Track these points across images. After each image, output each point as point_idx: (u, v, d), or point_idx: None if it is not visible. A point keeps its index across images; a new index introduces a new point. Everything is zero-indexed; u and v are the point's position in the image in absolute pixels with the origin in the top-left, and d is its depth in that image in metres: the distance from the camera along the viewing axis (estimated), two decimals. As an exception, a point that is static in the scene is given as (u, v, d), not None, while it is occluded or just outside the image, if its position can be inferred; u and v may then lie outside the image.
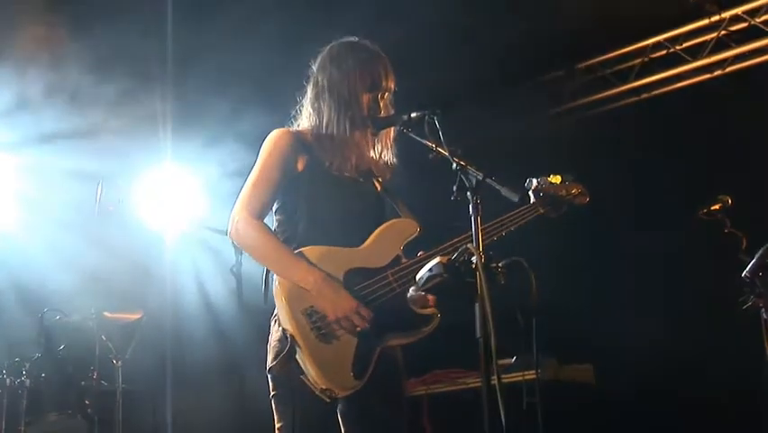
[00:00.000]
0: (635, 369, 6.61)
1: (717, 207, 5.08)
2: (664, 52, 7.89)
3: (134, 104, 7.11)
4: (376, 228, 3.63)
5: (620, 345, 6.58)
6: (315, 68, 3.80)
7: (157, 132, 7.27)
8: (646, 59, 7.98)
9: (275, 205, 3.67)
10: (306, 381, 3.39)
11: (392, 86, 3.75)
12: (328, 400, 3.39)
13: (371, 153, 3.77)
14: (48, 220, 7.05)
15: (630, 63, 8.08)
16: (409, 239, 3.65)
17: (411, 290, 3.58)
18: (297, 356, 3.39)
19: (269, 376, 3.55)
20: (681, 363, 6.67)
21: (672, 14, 7.57)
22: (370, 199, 3.76)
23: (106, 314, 6.42)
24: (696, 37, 7.69)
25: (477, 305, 3.12)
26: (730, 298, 4.98)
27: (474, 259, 3.14)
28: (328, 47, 3.82)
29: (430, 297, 3.60)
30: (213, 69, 7.04)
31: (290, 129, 3.75)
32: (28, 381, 6.12)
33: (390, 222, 3.69)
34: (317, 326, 3.42)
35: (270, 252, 3.53)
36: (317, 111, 3.71)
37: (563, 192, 3.93)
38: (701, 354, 6.52)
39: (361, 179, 3.75)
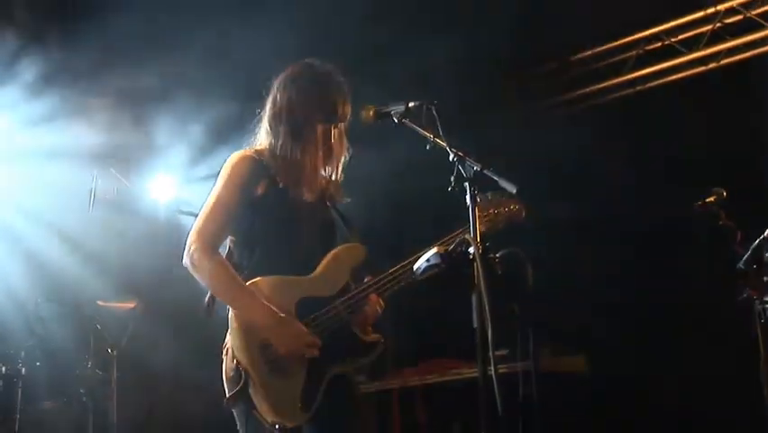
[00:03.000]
0: (627, 359, 6.65)
1: (711, 199, 5.09)
2: (659, 44, 7.90)
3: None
4: (326, 253, 3.66)
5: (613, 336, 6.63)
6: (275, 85, 3.78)
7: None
8: (641, 52, 7.99)
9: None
10: (257, 415, 3.45)
11: (348, 113, 3.75)
12: None
13: (322, 174, 3.76)
14: (44, 207, 7.04)
15: (625, 55, 8.09)
16: (357, 265, 3.68)
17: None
18: (250, 390, 3.45)
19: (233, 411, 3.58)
20: (674, 354, 6.71)
21: (667, 6, 7.58)
22: (323, 224, 3.78)
23: (100, 303, 6.44)
24: (691, 29, 7.69)
25: (474, 295, 3.15)
26: (725, 290, 5.01)
27: (471, 249, 3.16)
28: (292, 66, 3.79)
29: (369, 320, 3.63)
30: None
31: (250, 152, 3.71)
32: (23, 369, 6.13)
33: (339, 248, 3.71)
34: (270, 360, 3.46)
35: (225, 286, 3.54)
36: (274, 132, 3.71)
37: (501, 209, 3.77)
38: (695, 346, 6.56)
39: (315, 203, 3.77)
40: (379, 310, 3.64)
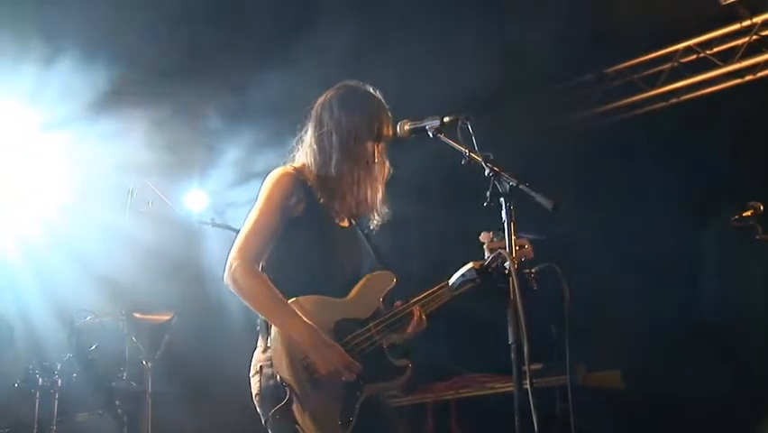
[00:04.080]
0: (664, 375, 6.59)
1: (748, 213, 5.03)
2: (694, 57, 7.85)
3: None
4: (357, 276, 3.77)
5: (650, 351, 6.57)
6: (319, 107, 3.86)
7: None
8: (676, 64, 7.94)
9: None
10: (300, 430, 3.49)
11: (390, 134, 3.81)
12: None
13: (368, 197, 3.80)
14: (79, 221, 7.11)
15: (659, 68, 8.05)
16: (388, 291, 3.76)
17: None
18: (293, 406, 3.49)
19: (268, 429, 3.60)
20: (709, 369, 6.64)
21: (702, 19, 7.53)
22: (357, 248, 3.87)
23: (136, 315, 6.48)
24: (727, 42, 7.64)
25: (509, 310, 3.14)
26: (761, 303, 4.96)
27: (507, 264, 3.16)
28: (336, 88, 3.87)
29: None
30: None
31: (292, 170, 3.77)
32: (59, 381, 6.17)
33: (372, 275, 3.80)
34: (313, 377, 3.51)
35: (268, 303, 3.58)
36: (321, 151, 3.76)
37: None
38: (733, 364, 6.49)
39: (352, 227, 3.86)
40: (419, 329, 3.71)
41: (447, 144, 3.54)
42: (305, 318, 3.53)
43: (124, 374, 6.52)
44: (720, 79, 7.74)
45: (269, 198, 3.68)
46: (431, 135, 3.64)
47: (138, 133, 7.02)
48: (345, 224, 3.83)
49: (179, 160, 7.36)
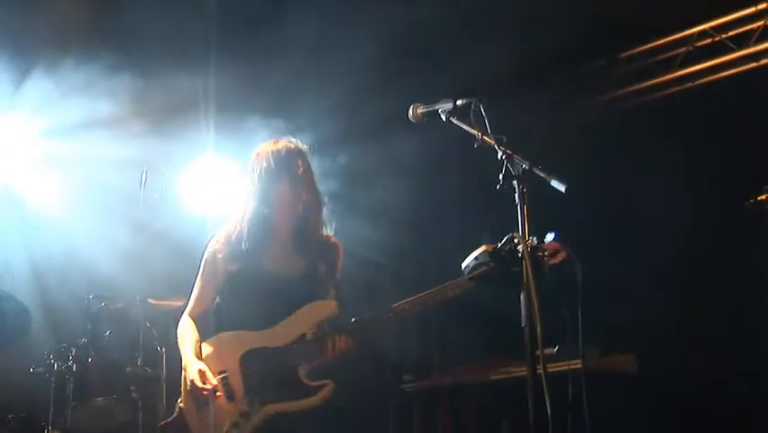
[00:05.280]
0: (678, 358, 6.57)
1: (764, 197, 5.01)
2: (710, 41, 7.78)
3: (177, 93, 7.17)
4: (293, 308, 4.26)
5: (665, 334, 6.54)
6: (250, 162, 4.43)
7: (199, 121, 7.32)
8: (691, 48, 7.88)
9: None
10: None
11: (301, 168, 4.35)
12: None
13: (305, 236, 4.37)
14: (93, 207, 7.13)
15: (675, 52, 7.99)
16: (324, 319, 4.28)
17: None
18: (186, 418, 4.27)
19: None
20: (725, 352, 6.61)
21: (717, 2, 7.47)
22: (293, 286, 4.31)
23: (151, 301, 6.51)
24: (742, 25, 7.56)
25: (522, 294, 3.13)
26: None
27: (520, 247, 3.15)
28: (257, 148, 4.44)
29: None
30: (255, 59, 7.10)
31: (221, 238, 4.41)
32: (75, 365, 6.21)
33: (308, 305, 4.27)
34: (195, 398, 4.21)
35: (179, 340, 4.40)
36: (245, 207, 4.37)
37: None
38: (748, 346, 6.45)
39: (288, 268, 4.35)
40: (336, 354, 4.16)
41: (460, 127, 3.53)
42: (189, 348, 4.31)
43: (139, 360, 6.54)
44: (736, 63, 7.67)
45: (202, 267, 4.49)
46: (444, 118, 3.64)
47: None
48: (283, 268, 4.34)
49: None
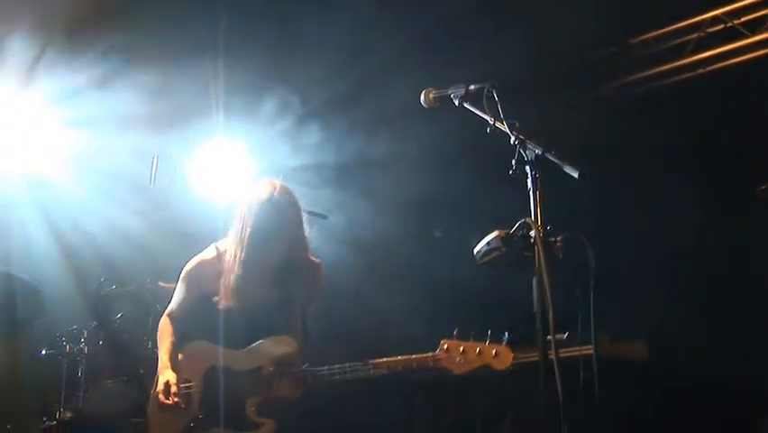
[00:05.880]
0: (692, 345, 6.55)
1: (777, 183, 5.00)
2: (721, 27, 7.73)
3: (187, 79, 7.17)
4: (263, 335, 4.41)
5: (677, 321, 6.53)
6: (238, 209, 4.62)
7: (209, 106, 7.33)
8: (703, 34, 7.83)
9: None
10: None
11: (294, 227, 4.55)
12: None
13: (287, 269, 4.54)
14: (105, 190, 7.15)
15: (686, 38, 7.94)
16: (282, 356, 4.34)
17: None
18: (149, 421, 4.55)
19: None
20: (735, 340, 6.60)
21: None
22: (266, 312, 4.47)
23: (161, 284, 6.52)
24: (755, 11, 7.51)
25: (534, 279, 3.13)
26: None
27: (532, 233, 3.15)
28: (244, 196, 4.63)
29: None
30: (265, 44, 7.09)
31: (201, 261, 4.70)
32: (86, 348, 6.25)
33: (271, 338, 4.40)
34: (157, 402, 4.42)
35: (158, 342, 4.70)
36: (231, 244, 4.59)
37: (477, 353, 4.05)
38: (758, 333, 6.45)
39: (265, 297, 4.51)
40: (284, 396, 4.29)
41: (472, 112, 3.53)
42: (164, 352, 4.57)
43: (149, 343, 6.56)
44: (748, 49, 7.62)
45: (179, 281, 4.79)
46: (456, 103, 3.64)
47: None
48: (256, 288, 4.52)
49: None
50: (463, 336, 4.08)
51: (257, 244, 4.49)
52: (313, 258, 4.69)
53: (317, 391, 4.34)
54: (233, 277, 4.50)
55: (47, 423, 6.06)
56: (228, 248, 4.60)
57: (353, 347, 6.08)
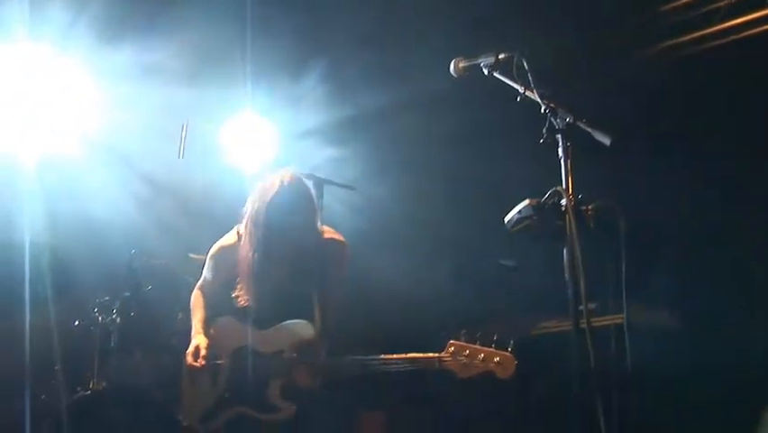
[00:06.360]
0: (723, 315, 6.52)
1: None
2: (751, -7, 7.62)
3: (215, 51, 7.18)
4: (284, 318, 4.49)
5: (708, 290, 6.48)
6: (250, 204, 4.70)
7: (237, 78, 7.33)
8: (733, 1, 7.72)
9: None
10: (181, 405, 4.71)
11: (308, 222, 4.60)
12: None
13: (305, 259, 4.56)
14: (133, 164, 7.18)
15: (717, 4, 7.83)
16: (301, 342, 4.41)
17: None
18: (181, 387, 4.70)
19: None
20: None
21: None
22: (290, 291, 4.55)
23: (192, 255, 6.56)
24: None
25: (565, 248, 3.13)
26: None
27: (564, 201, 3.14)
28: (260, 183, 4.68)
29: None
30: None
31: (222, 247, 4.87)
32: (118, 319, 6.30)
33: (291, 322, 4.47)
34: (189, 369, 4.57)
35: (191, 312, 4.89)
36: (244, 241, 4.69)
37: (480, 359, 4.05)
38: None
39: (288, 271, 4.58)
40: (304, 383, 4.35)
41: (502, 81, 3.52)
42: (197, 319, 4.75)
43: (180, 314, 6.61)
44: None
45: (207, 260, 5.02)
46: (486, 72, 3.62)
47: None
48: (285, 268, 4.59)
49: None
50: (470, 338, 4.08)
51: (270, 242, 4.55)
52: (338, 237, 4.68)
53: (336, 381, 4.41)
54: (250, 269, 4.60)
55: (80, 393, 6.12)
56: (243, 244, 4.69)
57: (385, 325, 6.14)
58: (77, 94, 6.80)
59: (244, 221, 4.70)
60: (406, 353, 4.18)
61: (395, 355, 4.19)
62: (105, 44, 6.66)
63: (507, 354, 3.99)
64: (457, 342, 4.07)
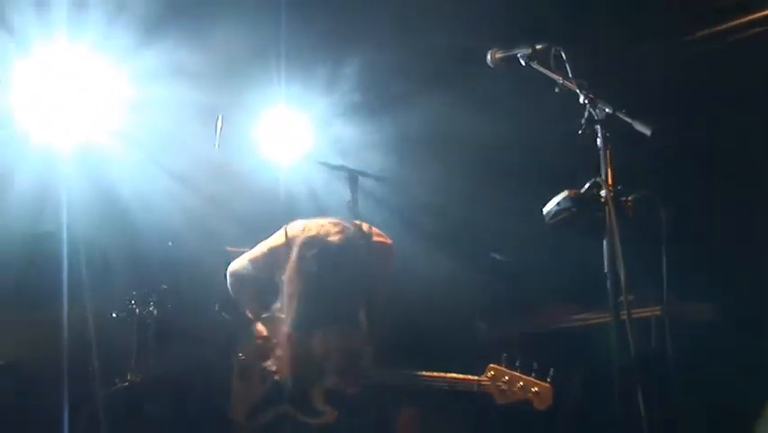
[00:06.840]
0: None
1: None
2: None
3: (249, 44, 7.19)
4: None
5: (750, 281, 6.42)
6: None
7: (271, 73, 7.35)
8: (773, -12, 7.61)
9: None
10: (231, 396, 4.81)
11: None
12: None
13: None
14: (169, 156, 7.22)
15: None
16: (345, 348, 4.42)
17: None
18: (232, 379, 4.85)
19: None
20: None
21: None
22: (336, 300, 4.44)
23: (229, 248, 6.58)
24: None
25: (605, 240, 3.11)
26: None
27: (603, 192, 3.12)
28: (300, 236, 4.62)
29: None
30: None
31: (271, 248, 4.95)
32: (155, 311, 6.35)
33: (337, 327, 4.44)
34: (240, 363, 4.86)
35: (239, 285, 5.13)
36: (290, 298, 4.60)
37: (519, 387, 4.04)
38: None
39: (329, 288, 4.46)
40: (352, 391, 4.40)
41: (540, 72, 3.50)
42: (260, 311, 4.84)
43: (216, 306, 6.64)
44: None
45: (257, 253, 5.15)
46: (523, 63, 3.61)
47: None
48: None
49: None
50: (509, 364, 4.06)
51: (318, 288, 4.42)
52: (385, 240, 4.65)
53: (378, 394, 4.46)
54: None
55: (118, 385, 6.18)
56: (290, 266, 4.56)
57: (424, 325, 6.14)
58: (115, 91, 6.84)
59: (288, 263, 4.58)
60: (446, 372, 4.20)
61: (435, 374, 4.20)
62: (141, 45, 6.68)
63: (546, 384, 3.96)
64: (497, 366, 4.06)
